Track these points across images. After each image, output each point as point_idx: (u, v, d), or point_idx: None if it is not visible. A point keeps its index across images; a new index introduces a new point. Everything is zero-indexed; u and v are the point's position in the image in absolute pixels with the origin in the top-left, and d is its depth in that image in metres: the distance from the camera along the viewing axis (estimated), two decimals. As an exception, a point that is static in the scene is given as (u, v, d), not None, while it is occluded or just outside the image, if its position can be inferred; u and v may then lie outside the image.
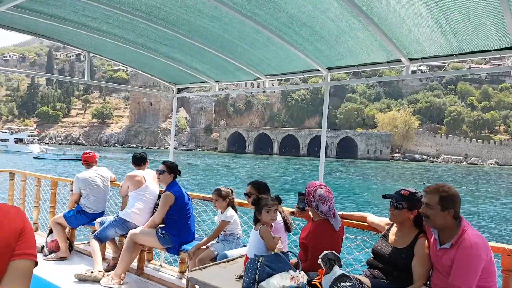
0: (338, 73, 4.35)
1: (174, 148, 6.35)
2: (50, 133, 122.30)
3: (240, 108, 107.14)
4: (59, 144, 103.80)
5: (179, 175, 4.46)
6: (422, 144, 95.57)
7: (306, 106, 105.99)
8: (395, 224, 3.01)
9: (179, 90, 6.01)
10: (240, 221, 4.17)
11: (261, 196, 3.09)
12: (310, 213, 3.28)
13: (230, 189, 4.15)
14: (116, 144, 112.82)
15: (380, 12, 2.90)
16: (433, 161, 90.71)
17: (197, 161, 62.24)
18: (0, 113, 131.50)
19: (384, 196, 2.98)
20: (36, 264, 1.35)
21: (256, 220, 2.98)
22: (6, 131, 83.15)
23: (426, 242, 2.77)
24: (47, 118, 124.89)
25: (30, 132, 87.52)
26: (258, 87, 5.30)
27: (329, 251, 2.57)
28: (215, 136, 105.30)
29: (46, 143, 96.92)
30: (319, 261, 2.53)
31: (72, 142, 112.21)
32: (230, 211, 4.02)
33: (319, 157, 4.30)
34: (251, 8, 3.17)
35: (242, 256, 3.17)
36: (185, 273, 4.61)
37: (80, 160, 5.63)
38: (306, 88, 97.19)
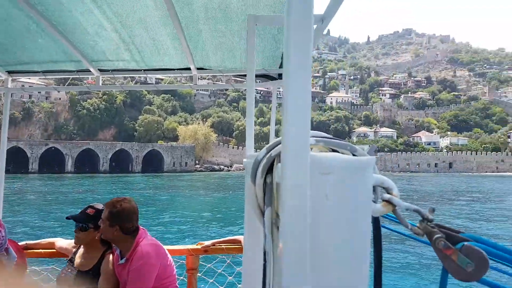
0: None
1: None
2: None
3: (16, 117, 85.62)
4: None
5: None
6: (218, 155, 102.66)
7: (100, 117, 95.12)
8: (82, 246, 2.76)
9: None
10: None
11: None
12: None
13: None
14: None
15: (61, 16, 2.72)
16: (229, 170, 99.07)
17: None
18: None
19: (68, 218, 2.69)
20: None
21: None
22: None
23: (112, 257, 2.63)
24: None
25: None
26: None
27: None
28: (-25, 153, 79.54)
29: None
30: None
31: None
32: None
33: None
34: None
35: None
36: None
37: None
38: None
